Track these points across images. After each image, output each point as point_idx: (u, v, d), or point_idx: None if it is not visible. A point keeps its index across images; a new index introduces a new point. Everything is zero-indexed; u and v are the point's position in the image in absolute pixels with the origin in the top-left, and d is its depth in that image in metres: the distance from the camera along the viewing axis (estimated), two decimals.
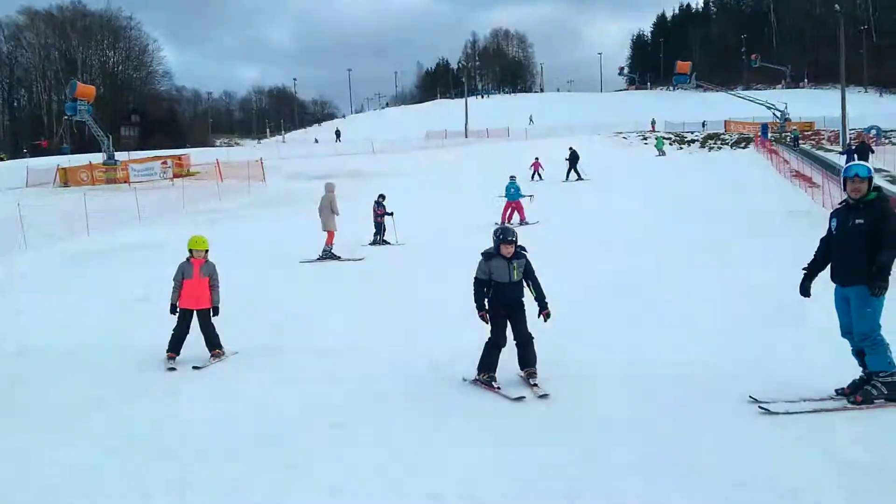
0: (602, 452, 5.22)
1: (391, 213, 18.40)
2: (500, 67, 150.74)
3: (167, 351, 8.12)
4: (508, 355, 6.94)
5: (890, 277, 5.75)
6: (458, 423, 6.01)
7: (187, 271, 8.29)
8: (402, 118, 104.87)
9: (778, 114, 58.36)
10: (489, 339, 6.88)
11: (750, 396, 6.11)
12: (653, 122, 68.37)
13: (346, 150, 54.30)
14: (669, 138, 61.19)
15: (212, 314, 8.32)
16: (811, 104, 69.37)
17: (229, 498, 4.78)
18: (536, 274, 6.98)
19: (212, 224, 22.91)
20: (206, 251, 8.50)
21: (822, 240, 6.37)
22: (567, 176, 33.40)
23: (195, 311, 8.25)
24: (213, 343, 8.30)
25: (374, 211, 18.56)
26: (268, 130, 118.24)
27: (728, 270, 12.27)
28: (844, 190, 6.13)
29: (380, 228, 18.47)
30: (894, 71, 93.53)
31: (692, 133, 64.51)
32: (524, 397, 6.42)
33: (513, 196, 21.41)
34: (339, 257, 16.07)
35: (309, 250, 16.24)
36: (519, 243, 6.89)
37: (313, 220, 16.70)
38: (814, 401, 6.04)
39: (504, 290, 6.81)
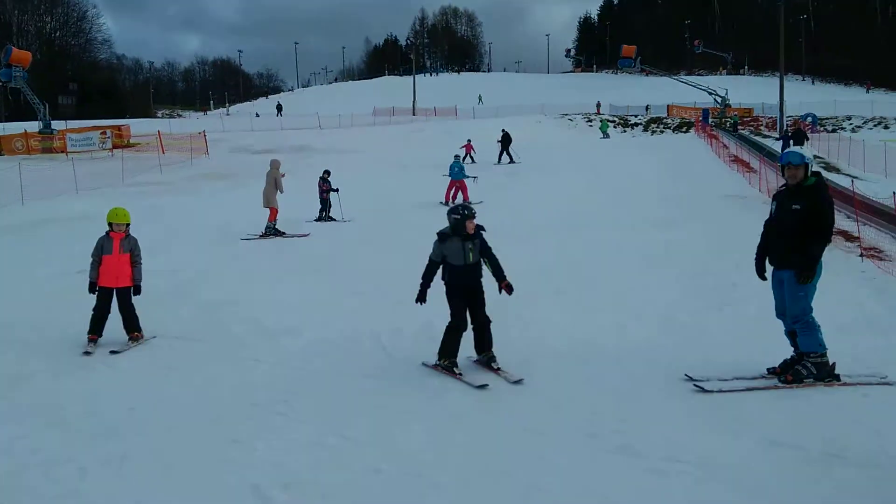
0: (543, 430, 5.32)
1: (336, 190, 18.27)
2: (449, 46, 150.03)
3: (88, 333, 7.69)
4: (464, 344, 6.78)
5: (822, 262, 6.01)
6: (403, 400, 6.06)
7: (106, 246, 7.77)
8: (349, 94, 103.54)
9: (719, 100, 59.46)
10: (450, 322, 6.66)
11: (685, 375, 6.29)
12: (598, 105, 69.03)
13: (292, 125, 53.48)
14: (614, 121, 61.94)
15: (133, 293, 7.87)
16: (751, 91, 70.77)
17: (169, 472, 4.74)
18: (493, 251, 6.81)
19: (152, 197, 22.43)
20: (128, 224, 7.95)
21: (765, 222, 6.53)
22: (499, 158, 32.18)
23: (115, 290, 7.79)
24: (131, 325, 7.85)
25: (320, 187, 18.41)
26: (211, 102, 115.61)
27: (668, 252, 12.54)
28: (783, 176, 6.32)
29: (325, 205, 18.34)
30: (832, 60, 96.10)
31: (636, 116, 65.39)
32: (487, 385, 6.22)
33: (457, 175, 21.23)
34: (283, 233, 15.88)
35: (251, 227, 16.03)
36: (480, 226, 6.72)
37: (257, 196, 16.45)
38: (746, 379, 6.26)
39: (460, 272, 6.59)
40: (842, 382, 6.15)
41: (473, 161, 31.66)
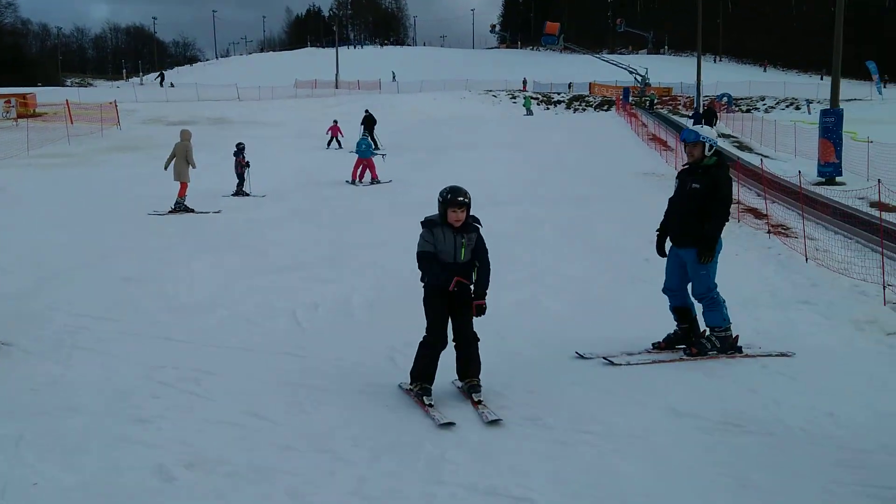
0: (455, 404, 5.35)
1: (247, 164, 17.90)
2: (373, 18, 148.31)
3: None
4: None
5: (721, 237, 6.24)
6: (317, 377, 5.99)
7: None
8: (269, 65, 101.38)
9: (639, 78, 60.65)
10: (424, 337, 5.40)
11: (576, 352, 6.40)
12: (524, 82, 69.50)
13: (209, 96, 52.06)
14: (537, 98, 62.51)
15: None
16: (670, 70, 72.49)
17: (68, 453, 4.57)
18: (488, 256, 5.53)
19: (59, 169, 21.53)
20: None
21: (669, 200, 6.61)
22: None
23: None
24: None
25: (237, 161, 18.01)
26: (124, 72, 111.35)
27: (585, 228, 12.76)
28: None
29: (242, 179, 17.95)
30: (748, 41, 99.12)
31: (559, 94, 66.15)
32: (453, 423, 4.96)
33: (364, 153, 20.45)
34: (192, 210, 15.31)
35: (165, 201, 15.53)
36: (474, 217, 5.44)
37: (171, 169, 15.92)
38: (652, 352, 6.45)
39: (448, 271, 5.25)
40: (744, 354, 6.37)
41: (340, 146, 29.02)
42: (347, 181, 19.92)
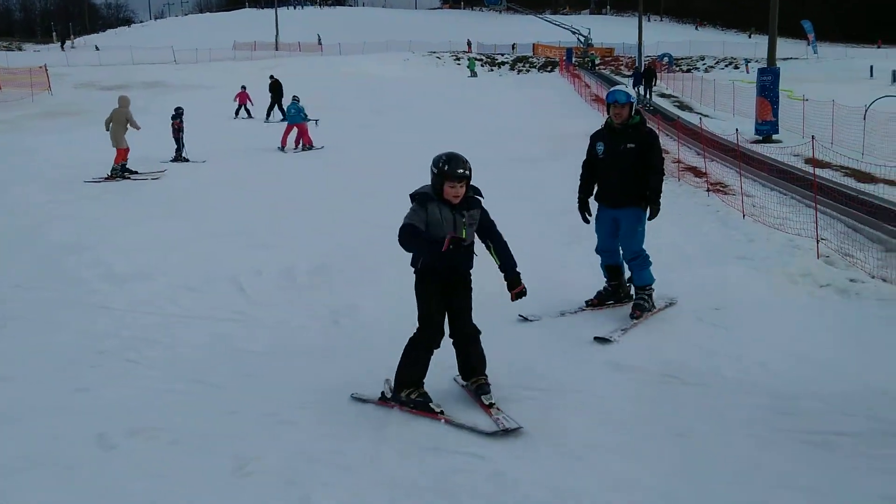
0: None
1: (181, 129, 17.47)
2: None
3: None
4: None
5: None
6: (260, 342, 5.96)
7: None
8: (206, 27, 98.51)
9: (582, 39, 60.78)
10: (415, 334, 4.57)
11: (519, 315, 6.37)
12: (469, 44, 69.03)
13: (144, 60, 50.46)
14: (481, 60, 62.20)
15: None
16: (612, 31, 72.69)
17: (6, 421, 4.47)
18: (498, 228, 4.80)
19: None
20: None
21: (584, 164, 6.59)
22: (268, 114, 26.22)
23: None
24: None
25: (173, 125, 17.53)
26: (54, 35, 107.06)
27: (531, 190, 12.82)
28: (608, 114, 6.37)
29: (179, 144, 17.51)
30: (689, 2, 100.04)
31: (503, 55, 65.93)
32: (506, 430, 4.26)
33: (293, 118, 19.63)
34: (131, 175, 15.06)
35: (98, 168, 15.08)
36: (476, 188, 4.63)
37: (106, 135, 15.44)
38: (586, 310, 6.65)
39: (442, 256, 4.42)
40: (657, 309, 6.54)
41: (250, 115, 27.05)
42: (278, 148, 19.31)
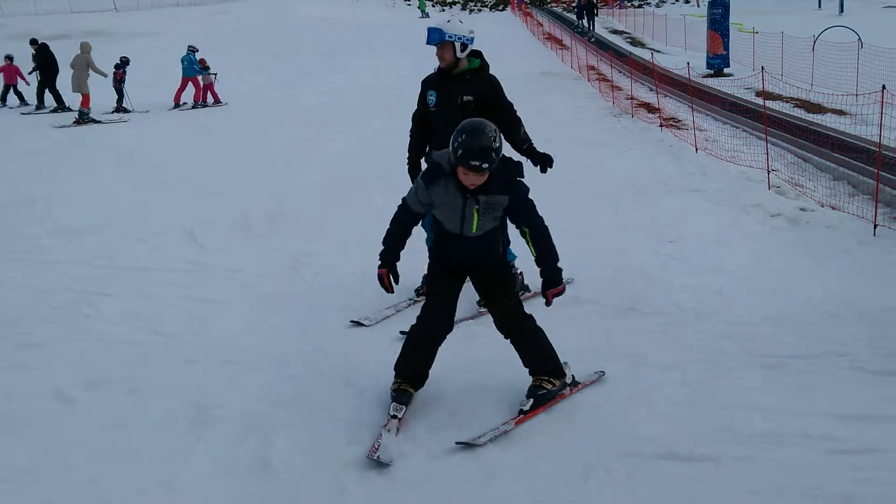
0: (346, 308, 5.35)
1: (123, 79, 16.96)
2: None
3: None
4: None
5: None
6: (216, 290, 5.87)
7: None
8: None
9: None
10: (418, 317, 3.92)
11: (351, 321, 5.15)
12: None
13: (83, 8, 48.48)
14: (432, 0, 61.10)
15: None
16: None
17: None
18: (535, 217, 3.74)
19: None
20: None
21: (415, 116, 5.30)
22: (39, 99, 17.64)
23: None
24: None
25: (115, 76, 16.96)
26: None
27: None
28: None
29: (120, 94, 16.98)
30: None
31: None
32: (388, 465, 3.47)
33: (187, 71, 17.57)
34: (99, 121, 15.42)
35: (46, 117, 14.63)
36: (513, 163, 3.68)
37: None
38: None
39: (450, 244, 3.78)
40: (533, 293, 5.32)
41: (22, 100, 18.53)
42: (171, 108, 17.38)
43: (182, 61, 17.72)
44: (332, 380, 4.28)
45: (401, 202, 3.80)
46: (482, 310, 5.02)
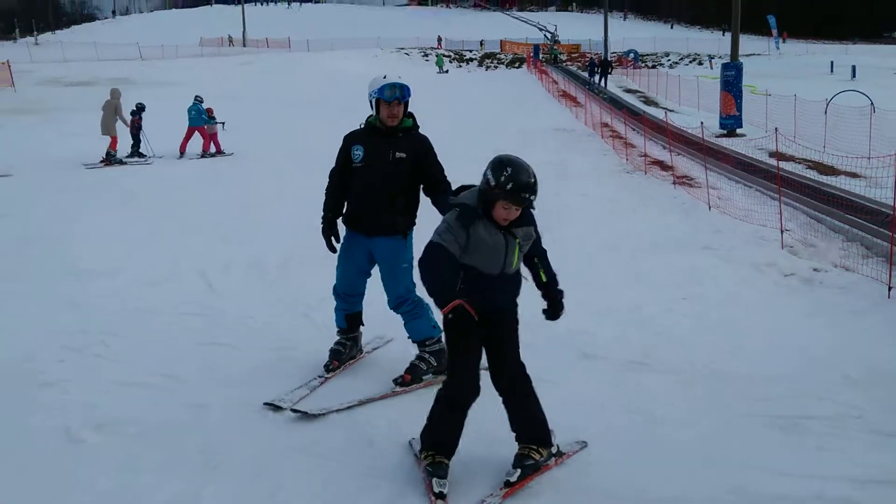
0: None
1: (140, 127, 17.21)
2: None
3: None
4: None
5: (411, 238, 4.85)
6: (229, 334, 5.87)
7: None
8: (172, 23, 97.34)
9: (549, 36, 61.02)
10: (442, 388, 3.67)
11: (264, 403, 4.55)
12: (440, 39, 69.03)
13: (109, 56, 49.67)
14: (449, 56, 62.24)
15: None
16: (579, 28, 73.20)
17: None
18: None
19: None
20: None
21: (333, 172, 4.96)
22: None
23: None
24: None
25: (132, 122, 17.24)
26: (17, 31, 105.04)
27: None
28: (378, 116, 4.73)
29: (137, 140, 17.24)
30: None
31: (471, 52, 66.04)
32: None
33: (195, 120, 17.51)
34: (124, 162, 16.23)
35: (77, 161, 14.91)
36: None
37: (74, 130, 15.34)
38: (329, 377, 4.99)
39: (486, 286, 3.53)
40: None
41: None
42: (178, 157, 17.20)
43: (189, 111, 17.72)
44: (342, 427, 4.26)
45: (429, 248, 3.46)
46: (397, 388, 4.72)
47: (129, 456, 3.92)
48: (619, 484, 3.68)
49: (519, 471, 3.61)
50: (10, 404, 4.57)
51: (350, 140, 4.85)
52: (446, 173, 4.80)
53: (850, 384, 4.86)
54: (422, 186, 4.83)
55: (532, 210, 3.57)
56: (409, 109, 4.80)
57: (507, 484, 3.58)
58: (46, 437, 4.11)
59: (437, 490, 3.49)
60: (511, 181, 3.33)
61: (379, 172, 4.67)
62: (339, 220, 4.93)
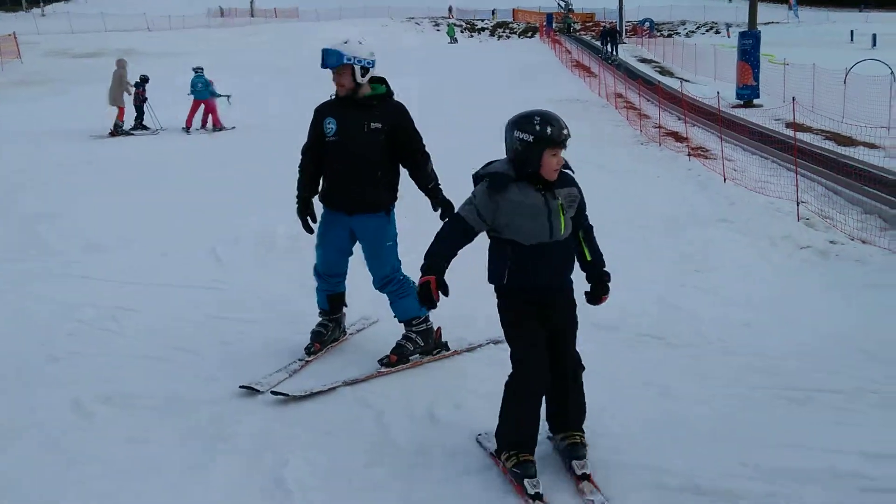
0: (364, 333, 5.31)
1: (146, 99, 17.15)
2: None
3: None
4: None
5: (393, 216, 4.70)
6: (239, 309, 5.86)
7: None
8: None
9: (562, 4, 60.33)
10: (509, 379, 3.42)
11: (240, 385, 4.38)
12: (450, 9, 68.32)
13: (116, 27, 49.48)
14: (460, 26, 61.66)
15: None
16: None
17: None
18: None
19: None
20: None
21: (305, 149, 4.76)
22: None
23: None
24: None
25: (137, 93, 17.18)
26: (23, 2, 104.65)
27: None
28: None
29: (141, 112, 17.18)
30: None
31: (482, 21, 65.38)
32: None
33: (200, 93, 16.94)
34: (131, 133, 16.40)
35: (78, 135, 14.87)
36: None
37: (81, 102, 15.29)
38: (310, 360, 4.83)
39: (538, 257, 3.31)
40: (452, 351, 4.90)
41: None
42: (182, 129, 17.00)
43: (194, 83, 17.09)
44: (350, 400, 4.24)
45: (449, 219, 3.38)
46: (382, 369, 4.58)
47: (139, 428, 3.92)
48: (634, 455, 3.62)
49: (586, 460, 3.44)
50: (20, 377, 4.58)
51: (321, 113, 4.61)
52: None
53: (866, 358, 4.79)
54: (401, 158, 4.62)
55: (571, 171, 3.43)
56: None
57: (585, 477, 3.38)
58: (56, 410, 4.12)
59: (532, 492, 3.22)
60: (547, 125, 3.23)
61: (354, 145, 4.45)
62: (317, 199, 4.73)
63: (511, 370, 3.40)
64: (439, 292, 3.26)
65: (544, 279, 3.36)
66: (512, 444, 3.38)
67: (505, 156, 3.38)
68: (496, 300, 3.48)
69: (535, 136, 3.22)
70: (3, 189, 10.52)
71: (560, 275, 3.42)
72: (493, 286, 3.47)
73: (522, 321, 3.37)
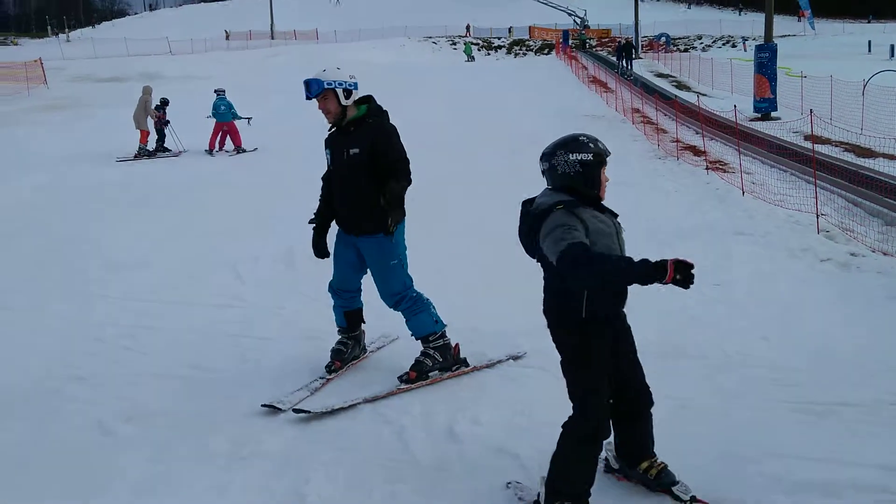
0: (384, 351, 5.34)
1: (167, 122, 17.33)
2: None
3: None
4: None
5: (403, 227, 4.73)
6: (259, 327, 5.91)
7: None
8: (201, 17, 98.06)
9: (578, 21, 60.46)
10: (574, 422, 3.20)
11: (262, 404, 4.45)
12: (468, 27, 68.74)
13: (139, 51, 50.22)
14: (477, 44, 61.98)
15: None
16: (608, 12, 72.31)
17: (5, 412, 4.46)
18: None
19: None
20: None
21: (324, 178, 4.92)
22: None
23: None
24: None
25: (158, 117, 17.38)
26: (49, 28, 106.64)
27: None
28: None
29: (162, 135, 17.39)
30: None
31: (499, 39, 65.68)
32: None
33: (223, 116, 16.83)
34: (155, 154, 16.81)
35: (102, 159, 15.11)
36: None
37: (105, 126, 15.58)
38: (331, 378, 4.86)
39: (620, 295, 3.30)
40: (471, 367, 4.91)
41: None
42: (205, 151, 16.91)
43: (217, 106, 16.93)
44: (370, 417, 4.27)
45: (569, 247, 2.92)
46: (402, 386, 4.61)
47: (160, 447, 3.97)
48: None
49: (681, 483, 3.38)
50: (42, 397, 4.64)
51: (325, 143, 4.78)
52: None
53: (886, 371, 4.75)
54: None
55: None
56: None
57: (694, 500, 3.32)
58: (78, 430, 4.18)
59: None
60: (597, 142, 3.25)
61: (339, 174, 4.62)
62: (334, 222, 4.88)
63: (572, 414, 3.20)
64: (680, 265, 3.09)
65: (621, 305, 3.28)
66: (570, 496, 3.16)
67: (548, 185, 3.30)
68: (556, 336, 3.27)
69: (594, 153, 3.20)
70: (29, 210, 10.69)
71: (624, 300, 3.30)
72: (548, 321, 3.28)
73: (598, 358, 3.18)
